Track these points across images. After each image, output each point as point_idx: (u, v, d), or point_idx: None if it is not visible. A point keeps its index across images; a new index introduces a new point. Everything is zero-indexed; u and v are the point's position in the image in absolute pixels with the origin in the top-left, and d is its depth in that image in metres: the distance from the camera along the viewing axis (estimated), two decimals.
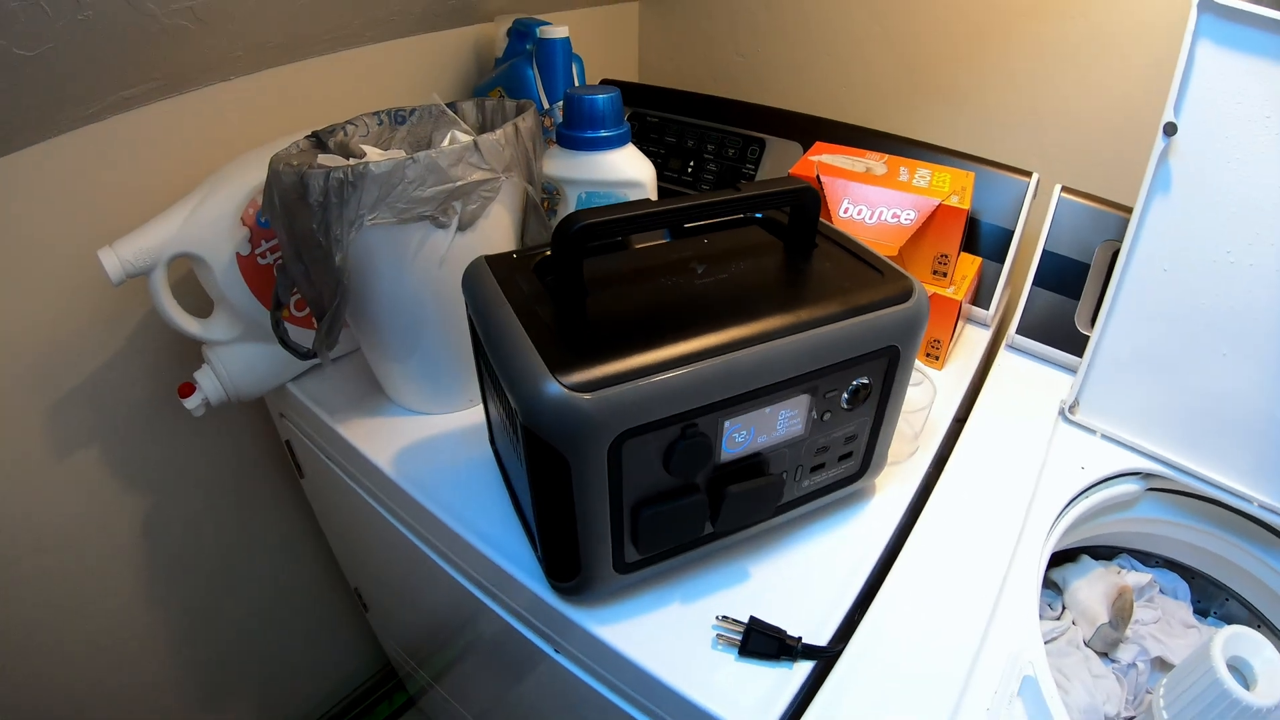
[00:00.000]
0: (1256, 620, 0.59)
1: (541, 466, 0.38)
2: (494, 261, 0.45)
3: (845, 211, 0.66)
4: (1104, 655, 0.56)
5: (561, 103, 0.75)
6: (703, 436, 0.39)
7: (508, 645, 0.54)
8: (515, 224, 0.56)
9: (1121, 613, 0.55)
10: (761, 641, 0.42)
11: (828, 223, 0.51)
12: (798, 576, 0.48)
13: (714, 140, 0.88)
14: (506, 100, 0.61)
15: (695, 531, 0.44)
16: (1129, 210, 0.56)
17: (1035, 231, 0.71)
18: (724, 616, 0.44)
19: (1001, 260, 0.72)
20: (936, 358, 0.67)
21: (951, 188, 0.65)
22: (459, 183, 0.48)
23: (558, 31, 0.75)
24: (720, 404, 0.39)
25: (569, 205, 0.61)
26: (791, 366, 0.40)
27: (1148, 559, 0.63)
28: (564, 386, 0.35)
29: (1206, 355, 0.55)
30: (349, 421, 0.61)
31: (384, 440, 0.59)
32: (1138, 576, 0.60)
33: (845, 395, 0.44)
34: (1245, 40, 0.49)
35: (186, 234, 0.54)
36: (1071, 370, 0.64)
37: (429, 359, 0.58)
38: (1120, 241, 0.58)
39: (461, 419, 0.61)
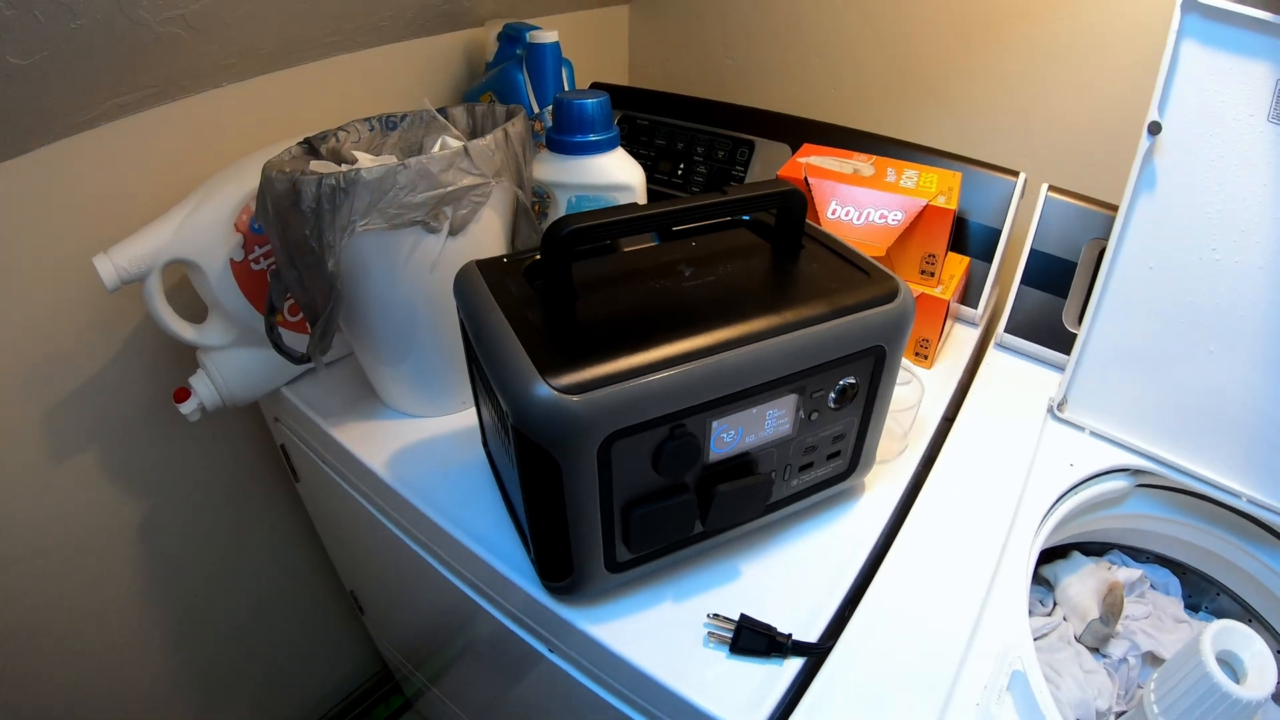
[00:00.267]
0: (1248, 615, 0.60)
1: (532, 468, 0.39)
2: (485, 266, 0.45)
3: (833, 213, 0.66)
4: (1095, 650, 0.57)
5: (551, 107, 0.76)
6: (691, 437, 0.40)
7: (503, 646, 0.55)
8: (506, 228, 0.57)
9: (1112, 608, 0.56)
10: (752, 639, 0.43)
11: (815, 224, 0.52)
12: (788, 574, 0.48)
13: (704, 143, 0.89)
14: (497, 105, 0.61)
15: (685, 530, 0.44)
16: (1115, 209, 0.57)
17: (1023, 231, 0.71)
18: (715, 614, 0.44)
19: (989, 260, 0.72)
20: (925, 357, 0.68)
21: (939, 188, 0.65)
22: (450, 188, 0.49)
23: (547, 36, 0.76)
24: (708, 404, 0.39)
25: (559, 209, 0.61)
26: (778, 367, 0.41)
27: (1138, 555, 0.64)
28: (553, 388, 0.35)
29: (1193, 352, 0.56)
30: (343, 425, 0.62)
31: (378, 443, 0.59)
32: (1128, 572, 0.61)
33: (832, 395, 0.45)
34: (1229, 39, 0.50)
35: (181, 240, 0.54)
36: (1060, 368, 0.64)
37: (421, 362, 0.59)
38: (1107, 240, 0.58)
39: (454, 421, 0.62)
